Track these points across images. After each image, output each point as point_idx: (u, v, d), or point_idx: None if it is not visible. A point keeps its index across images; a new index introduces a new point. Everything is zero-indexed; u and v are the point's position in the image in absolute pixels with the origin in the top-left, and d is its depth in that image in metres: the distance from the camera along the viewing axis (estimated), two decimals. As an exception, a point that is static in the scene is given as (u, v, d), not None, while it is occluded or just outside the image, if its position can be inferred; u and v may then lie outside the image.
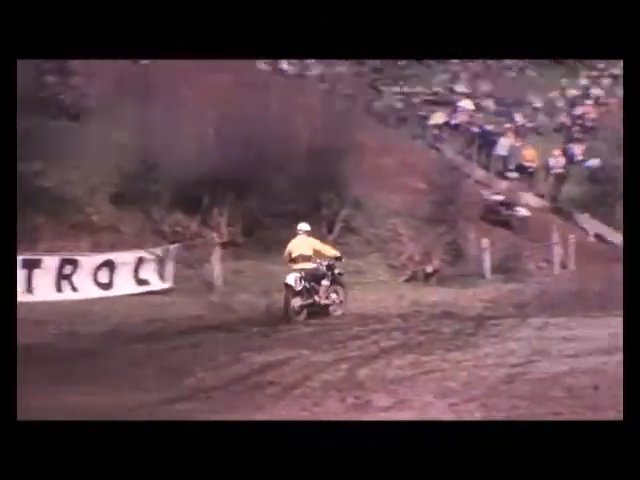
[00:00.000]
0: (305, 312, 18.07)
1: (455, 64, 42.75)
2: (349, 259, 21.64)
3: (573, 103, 41.13)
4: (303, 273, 18.15)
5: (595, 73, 44.77)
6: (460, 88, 40.97)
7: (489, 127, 35.67)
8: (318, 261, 18.58)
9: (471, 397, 10.55)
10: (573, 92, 42.51)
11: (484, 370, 12.17)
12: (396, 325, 16.49)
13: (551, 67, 45.21)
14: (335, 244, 21.35)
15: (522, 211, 28.36)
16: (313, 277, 18.36)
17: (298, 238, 18.72)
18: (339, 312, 18.58)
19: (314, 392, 10.91)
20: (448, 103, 39.16)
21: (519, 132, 36.28)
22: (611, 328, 15.92)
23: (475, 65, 43.50)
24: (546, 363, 12.67)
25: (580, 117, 39.67)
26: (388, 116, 36.86)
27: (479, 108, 39.28)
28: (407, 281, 22.46)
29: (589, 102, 41.11)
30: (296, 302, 17.88)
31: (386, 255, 23.55)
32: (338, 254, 19.04)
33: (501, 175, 33.85)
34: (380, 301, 19.79)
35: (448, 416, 9.52)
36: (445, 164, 28.79)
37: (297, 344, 14.23)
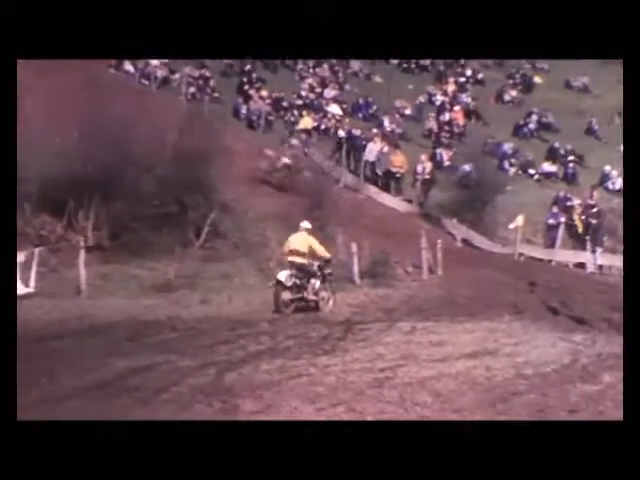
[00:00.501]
0: (294, 305, 19.43)
1: (324, 69, 42.96)
2: (216, 263, 21.48)
3: (441, 109, 41.77)
4: (294, 270, 19.47)
5: (462, 79, 45.60)
6: (329, 93, 41.16)
7: (357, 132, 35.91)
8: (311, 262, 19.89)
9: (339, 401, 10.58)
10: (441, 98, 43.15)
11: (352, 375, 12.22)
12: (264, 330, 16.44)
13: (419, 74, 45.95)
14: (201, 248, 21.16)
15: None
16: (304, 274, 19.62)
17: (297, 234, 20.19)
18: (328, 309, 20.06)
19: (181, 397, 10.77)
20: (317, 108, 39.31)
21: (388, 137, 36.62)
22: (477, 332, 16.26)
23: (342, 69, 43.86)
24: (414, 367, 12.80)
25: (448, 123, 40.36)
26: (256, 120, 36.82)
27: (347, 113, 39.56)
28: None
29: (457, 108, 41.81)
30: (286, 295, 19.22)
31: (254, 259, 23.45)
32: (329, 256, 20.50)
33: (370, 180, 34.14)
34: (248, 305, 19.69)
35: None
36: (313, 169, 28.86)
37: (164, 349, 14.02)
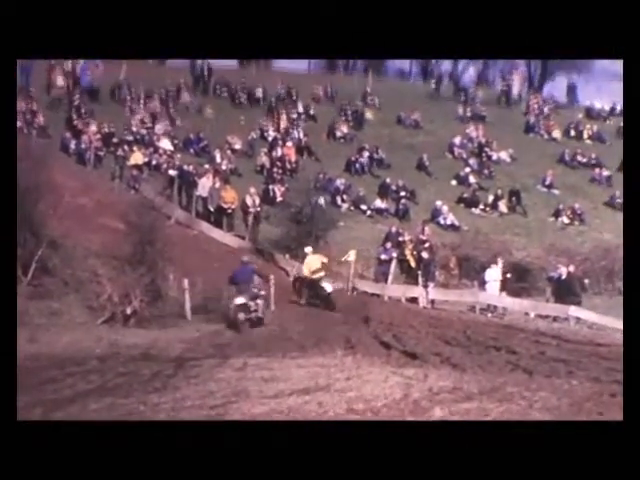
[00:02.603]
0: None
1: (155, 105, 42.87)
2: (45, 300, 21.10)
3: (273, 144, 42.15)
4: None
5: (294, 115, 46.13)
6: (160, 128, 41.07)
7: (188, 168, 35.96)
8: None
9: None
10: (273, 133, 43.55)
11: (183, 412, 12.17)
12: (93, 367, 16.20)
13: (250, 108, 46.24)
14: (29, 285, 20.74)
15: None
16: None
17: (309, 257, 27.81)
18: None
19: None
20: (148, 143, 39.18)
21: (219, 173, 36.77)
22: (309, 368, 16.41)
23: (173, 103, 43.88)
24: (245, 404, 12.82)
25: (280, 159, 40.75)
26: (85, 155, 36.48)
27: (178, 148, 39.55)
28: (105, 322, 22.13)
29: (289, 144, 42.27)
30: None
31: (84, 296, 23.11)
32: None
33: (201, 216, 34.20)
34: (77, 343, 19.37)
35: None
36: (144, 205, 28.70)
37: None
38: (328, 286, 27.22)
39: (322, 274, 27.29)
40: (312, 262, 27.56)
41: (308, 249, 28.65)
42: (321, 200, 35.51)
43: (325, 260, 27.64)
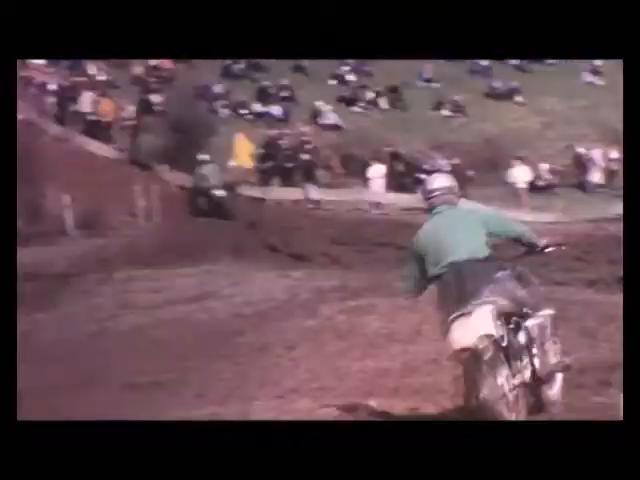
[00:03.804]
0: None
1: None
2: None
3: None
4: None
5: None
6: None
7: (65, 82, 35.14)
8: None
9: (56, 357, 10.47)
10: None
11: (69, 329, 12.10)
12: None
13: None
14: None
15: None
16: None
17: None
18: None
19: None
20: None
21: (96, 85, 36.00)
22: (196, 276, 16.39)
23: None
24: (132, 316, 12.81)
25: (156, 68, 39.93)
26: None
27: (54, 64, 38.49)
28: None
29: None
30: None
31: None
32: None
33: (79, 130, 33.59)
34: None
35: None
36: (20, 122, 27.97)
37: None
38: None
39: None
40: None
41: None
42: (200, 107, 35.09)
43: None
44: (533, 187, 35.21)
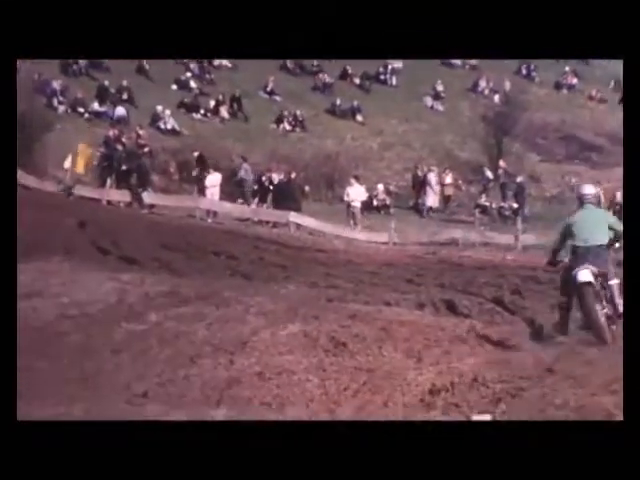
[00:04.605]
0: None
1: None
2: None
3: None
4: None
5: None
6: None
7: None
8: None
9: None
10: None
11: None
12: None
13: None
14: None
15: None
16: None
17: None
18: None
19: None
20: None
21: None
22: (28, 274, 15.94)
23: None
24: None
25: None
26: None
27: None
28: None
29: None
30: None
31: None
32: None
33: None
34: None
35: None
36: None
37: None
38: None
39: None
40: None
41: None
42: (37, 102, 34.33)
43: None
44: (368, 206, 35.68)
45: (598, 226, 12.63)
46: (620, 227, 12.40)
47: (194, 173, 33.94)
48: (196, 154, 34.72)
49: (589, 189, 13.28)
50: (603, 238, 12.54)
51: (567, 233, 12.82)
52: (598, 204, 14.26)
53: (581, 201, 13.01)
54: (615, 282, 12.48)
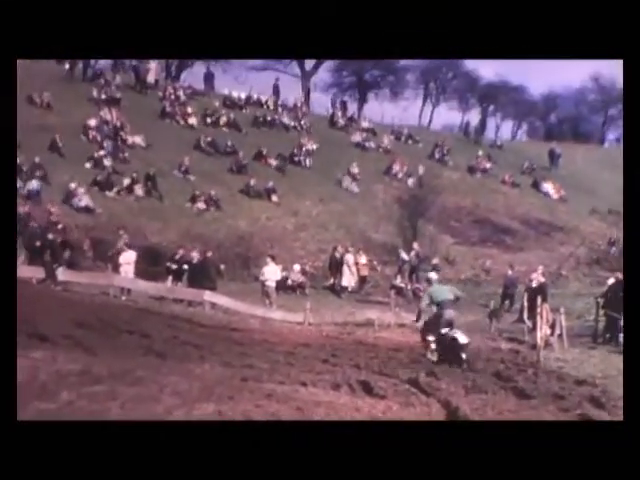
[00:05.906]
0: None
1: None
2: None
3: None
4: None
5: None
6: None
7: None
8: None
9: None
10: None
11: None
12: None
13: None
14: None
15: None
16: None
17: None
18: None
19: None
20: None
21: None
22: None
23: None
24: None
25: None
26: None
27: None
28: None
29: None
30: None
31: None
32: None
33: None
34: None
35: None
36: None
37: None
38: None
39: None
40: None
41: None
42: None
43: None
44: (283, 286, 35.69)
45: (445, 292, 19.76)
46: (459, 293, 20.56)
47: (109, 254, 33.62)
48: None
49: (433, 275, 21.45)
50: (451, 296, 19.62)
51: (430, 298, 19.57)
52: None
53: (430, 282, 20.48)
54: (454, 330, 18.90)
